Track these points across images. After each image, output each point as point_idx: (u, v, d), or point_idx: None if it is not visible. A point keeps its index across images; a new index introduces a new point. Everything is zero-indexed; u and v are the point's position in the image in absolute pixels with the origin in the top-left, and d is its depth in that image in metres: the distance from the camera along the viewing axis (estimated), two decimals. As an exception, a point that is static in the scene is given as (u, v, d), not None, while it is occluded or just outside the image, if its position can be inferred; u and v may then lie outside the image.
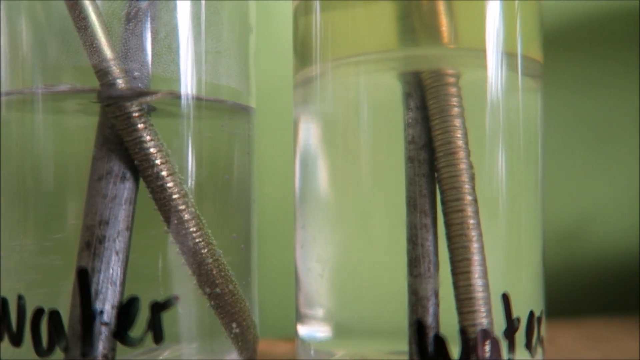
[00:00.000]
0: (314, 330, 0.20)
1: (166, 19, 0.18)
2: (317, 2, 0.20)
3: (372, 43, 0.20)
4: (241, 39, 0.20)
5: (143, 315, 0.17)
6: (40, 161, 0.18)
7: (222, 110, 0.19)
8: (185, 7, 0.18)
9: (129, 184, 0.18)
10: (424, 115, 0.20)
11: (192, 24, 0.18)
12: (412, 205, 0.20)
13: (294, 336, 0.22)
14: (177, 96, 0.18)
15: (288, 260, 0.33)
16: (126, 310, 0.16)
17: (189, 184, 0.18)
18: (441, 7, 0.20)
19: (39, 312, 0.15)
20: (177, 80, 0.18)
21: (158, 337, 0.16)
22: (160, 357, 0.18)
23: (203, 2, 0.19)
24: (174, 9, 0.18)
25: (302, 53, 0.21)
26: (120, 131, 0.18)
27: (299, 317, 0.21)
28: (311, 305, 0.21)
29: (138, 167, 0.18)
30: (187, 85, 0.18)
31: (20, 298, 0.16)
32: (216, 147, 0.19)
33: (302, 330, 0.21)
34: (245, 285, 0.20)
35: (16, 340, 0.15)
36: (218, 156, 0.19)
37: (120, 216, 0.17)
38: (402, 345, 0.18)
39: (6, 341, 0.16)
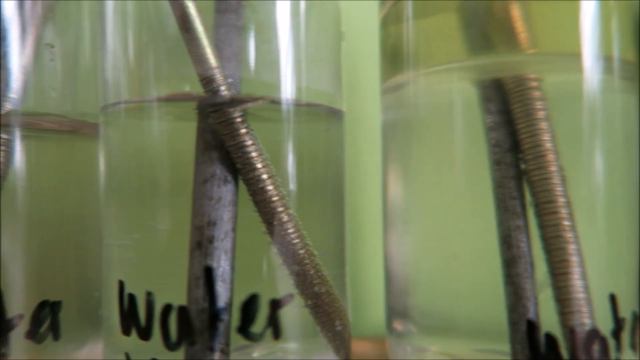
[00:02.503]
0: (408, 328, 0.21)
1: (265, 24, 0.19)
2: (409, 10, 0.21)
3: (460, 51, 0.21)
4: (335, 43, 0.21)
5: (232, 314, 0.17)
6: (151, 164, 0.19)
7: (319, 114, 0.20)
8: (284, 13, 0.19)
9: (230, 187, 0.19)
10: (506, 119, 0.21)
11: (291, 30, 0.19)
12: (502, 207, 0.20)
13: (375, 335, 0.23)
14: (276, 102, 0.19)
15: (360, 261, 0.33)
16: (248, 306, 0.16)
17: (290, 186, 0.19)
18: (517, 12, 0.20)
19: (167, 308, 0.16)
20: (278, 85, 0.19)
21: (277, 333, 0.17)
22: (255, 355, 0.19)
23: (302, 7, 0.19)
24: (273, 14, 0.19)
25: (393, 60, 0.22)
26: (223, 136, 0.18)
27: (394, 315, 0.22)
28: (406, 304, 0.21)
29: (240, 170, 0.19)
30: (287, 90, 0.19)
31: (148, 294, 0.17)
32: (314, 151, 0.19)
33: (397, 327, 0.21)
34: (339, 286, 0.20)
35: (145, 335, 0.16)
36: (316, 159, 0.20)
37: (226, 217, 0.18)
38: (495, 343, 0.19)
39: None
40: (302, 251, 0.19)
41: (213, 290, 0.16)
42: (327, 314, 0.19)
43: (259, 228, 0.19)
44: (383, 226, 0.24)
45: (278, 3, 0.19)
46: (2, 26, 0.18)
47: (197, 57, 0.18)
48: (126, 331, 0.16)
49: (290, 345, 0.19)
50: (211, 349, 0.16)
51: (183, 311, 0.16)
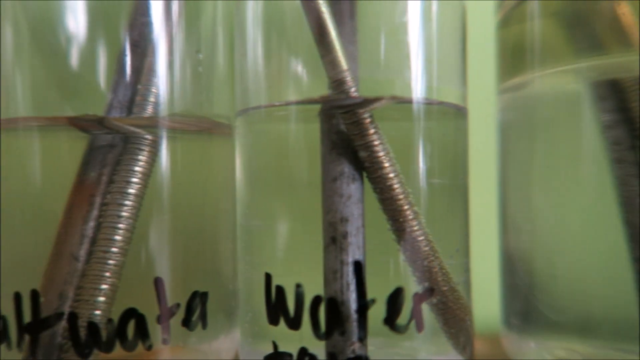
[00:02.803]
0: (533, 325, 0.21)
1: (396, 22, 0.19)
2: (535, 10, 0.21)
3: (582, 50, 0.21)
4: (462, 42, 0.21)
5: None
6: (282, 163, 0.20)
7: (448, 113, 0.20)
8: (416, 13, 0.20)
9: (358, 184, 0.20)
10: (624, 117, 0.20)
11: (422, 29, 0.20)
12: (628, 205, 0.20)
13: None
14: (400, 101, 0.20)
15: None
16: (394, 299, 0.17)
17: (420, 185, 0.19)
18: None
19: (317, 300, 0.17)
20: (408, 85, 0.19)
21: (420, 326, 0.18)
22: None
23: (435, 8, 0.20)
24: (405, 14, 0.20)
25: (514, 60, 0.22)
26: (353, 136, 0.19)
27: (515, 312, 0.22)
28: (531, 301, 0.21)
29: (367, 169, 0.19)
30: (417, 89, 0.19)
31: (298, 286, 0.18)
32: (444, 150, 0.20)
33: (518, 324, 0.22)
34: (464, 283, 0.21)
35: (294, 325, 0.17)
36: (445, 158, 0.20)
37: (356, 213, 0.19)
38: (630, 343, 0.19)
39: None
40: (426, 248, 0.20)
41: (362, 284, 0.17)
42: (451, 311, 0.20)
43: (381, 225, 0.19)
44: (501, 225, 0.24)
45: (409, 3, 0.19)
46: (151, 32, 0.19)
47: (330, 60, 0.19)
48: (274, 321, 0.17)
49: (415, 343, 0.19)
50: (360, 340, 0.17)
51: (332, 302, 0.17)
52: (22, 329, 0.16)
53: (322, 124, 0.20)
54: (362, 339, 0.17)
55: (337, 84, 0.19)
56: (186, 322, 0.18)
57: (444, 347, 0.19)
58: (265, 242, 0.19)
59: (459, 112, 0.21)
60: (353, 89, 0.19)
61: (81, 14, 0.20)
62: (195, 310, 0.18)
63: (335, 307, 0.17)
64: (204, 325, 0.18)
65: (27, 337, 0.16)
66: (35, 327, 0.16)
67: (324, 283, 0.18)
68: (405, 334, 0.18)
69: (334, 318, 0.17)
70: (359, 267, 0.17)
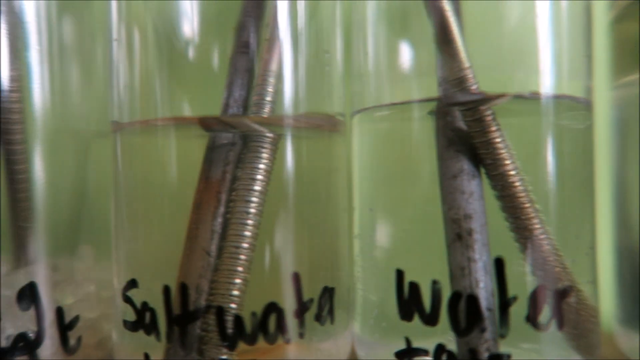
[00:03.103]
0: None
1: (528, 19, 0.19)
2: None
3: None
4: (587, 32, 0.21)
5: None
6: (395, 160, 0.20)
7: (577, 108, 0.20)
8: (545, 9, 0.19)
9: (478, 181, 0.20)
10: None
11: (551, 21, 0.19)
12: None
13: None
14: (526, 97, 0.19)
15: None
16: (535, 297, 0.17)
17: (550, 182, 0.19)
18: None
19: (456, 296, 0.17)
20: (535, 79, 0.19)
21: (560, 324, 0.18)
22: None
23: (564, 3, 0.20)
24: (533, 9, 0.19)
25: (632, 56, 0.21)
26: (474, 133, 0.19)
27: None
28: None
29: (488, 165, 0.19)
30: (546, 84, 0.19)
31: (435, 282, 0.18)
32: (573, 146, 0.20)
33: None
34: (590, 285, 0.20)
35: (431, 321, 0.18)
36: (575, 153, 0.20)
37: (479, 210, 0.19)
38: None
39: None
40: (548, 246, 0.19)
41: (503, 280, 0.17)
42: (575, 311, 0.19)
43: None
44: (617, 221, 0.23)
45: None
46: (276, 30, 0.20)
47: (451, 57, 0.19)
48: (407, 317, 0.18)
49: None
50: (502, 336, 0.17)
51: (472, 300, 0.17)
52: (171, 320, 0.17)
53: (437, 121, 0.20)
54: (503, 336, 0.17)
55: (458, 81, 0.19)
56: (318, 317, 0.18)
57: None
58: (390, 237, 0.19)
59: (587, 106, 0.20)
60: (475, 86, 0.19)
61: (195, 15, 0.20)
62: (325, 306, 0.19)
63: (475, 304, 0.17)
64: (332, 321, 0.19)
65: (175, 329, 0.17)
66: (184, 319, 0.17)
67: (451, 279, 0.18)
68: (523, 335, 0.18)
69: (473, 315, 0.17)
70: (500, 264, 0.17)
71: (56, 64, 0.22)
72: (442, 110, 0.20)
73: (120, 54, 0.21)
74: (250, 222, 0.19)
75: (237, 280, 0.18)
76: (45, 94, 0.21)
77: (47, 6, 0.21)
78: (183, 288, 0.17)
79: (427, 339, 0.18)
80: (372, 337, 0.20)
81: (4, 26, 0.21)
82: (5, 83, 0.20)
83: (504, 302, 0.17)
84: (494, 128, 0.19)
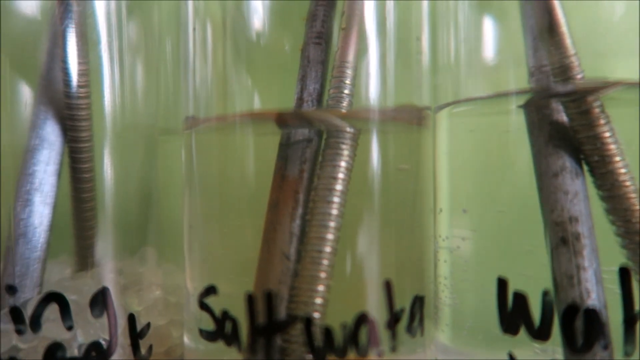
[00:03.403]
0: None
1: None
2: None
3: None
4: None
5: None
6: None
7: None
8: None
9: (582, 180, 0.18)
10: None
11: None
12: None
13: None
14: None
15: None
16: None
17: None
18: None
19: (571, 309, 0.15)
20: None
21: None
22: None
23: None
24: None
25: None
26: (578, 127, 0.17)
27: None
28: None
29: (594, 163, 0.17)
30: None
31: (545, 294, 0.16)
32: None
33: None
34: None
35: (541, 335, 0.16)
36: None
37: (586, 212, 0.17)
38: None
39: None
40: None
41: (630, 292, 0.15)
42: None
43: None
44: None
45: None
46: (354, 23, 0.18)
47: (554, 44, 0.17)
48: (511, 330, 0.16)
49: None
50: (627, 354, 0.15)
51: (591, 313, 0.15)
52: (256, 331, 0.16)
53: (530, 115, 0.19)
54: (628, 354, 0.15)
55: (562, 69, 0.17)
56: (409, 329, 0.17)
57: None
58: (487, 242, 0.18)
59: None
60: (580, 75, 0.17)
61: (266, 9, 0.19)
62: (416, 316, 0.17)
63: (596, 318, 0.15)
64: (422, 332, 0.17)
65: (260, 340, 0.15)
66: (270, 329, 0.15)
67: (556, 288, 0.16)
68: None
69: (594, 329, 0.15)
70: (626, 274, 0.15)
71: (125, 61, 0.21)
72: (537, 102, 0.18)
73: (195, 49, 0.20)
74: (332, 224, 0.17)
75: (320, 287, 0.16)
76: (114, 91, 0.20)
77: (117, 6, 0.21)
78: (269, 297, 0.16)
79: (524, 350, 0.17)
80: (466, 348, 0.18)
81: (74, 22, 0.20)
82: (74, 77, 0.19)
83: (631, 317, 0.15)
84: (602, 121, 0.17)
